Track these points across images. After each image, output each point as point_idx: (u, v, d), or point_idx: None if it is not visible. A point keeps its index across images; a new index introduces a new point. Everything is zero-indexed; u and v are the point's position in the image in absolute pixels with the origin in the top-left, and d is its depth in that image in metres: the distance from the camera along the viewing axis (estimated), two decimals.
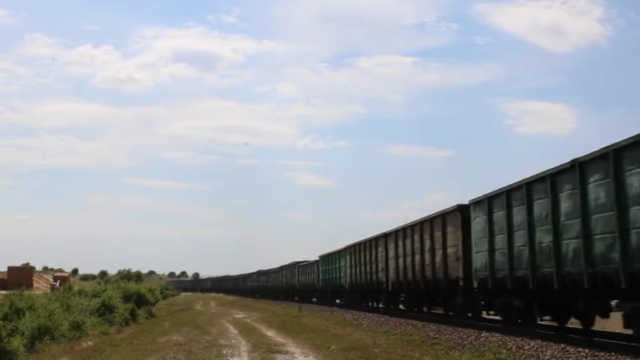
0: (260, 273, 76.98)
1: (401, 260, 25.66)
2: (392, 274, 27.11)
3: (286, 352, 15.93)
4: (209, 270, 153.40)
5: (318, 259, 45.29)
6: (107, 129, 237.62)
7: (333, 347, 16.55)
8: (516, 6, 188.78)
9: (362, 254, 33.19)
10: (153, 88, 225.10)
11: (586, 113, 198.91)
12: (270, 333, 22.20)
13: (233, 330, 23.98)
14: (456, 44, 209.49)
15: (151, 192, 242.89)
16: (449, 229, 20.60)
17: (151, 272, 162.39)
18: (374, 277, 30.71)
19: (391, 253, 27.28)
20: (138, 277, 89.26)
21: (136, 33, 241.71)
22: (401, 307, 28.02)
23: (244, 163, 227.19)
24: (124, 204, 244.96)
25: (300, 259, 57.86)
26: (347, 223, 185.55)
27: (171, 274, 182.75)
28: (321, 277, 43.92)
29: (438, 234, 21.35)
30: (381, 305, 31.77)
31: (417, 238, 23.66)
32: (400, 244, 25.82)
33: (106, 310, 25.93)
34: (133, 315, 29.44)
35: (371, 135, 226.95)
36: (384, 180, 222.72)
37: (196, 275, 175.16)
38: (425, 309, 25.18)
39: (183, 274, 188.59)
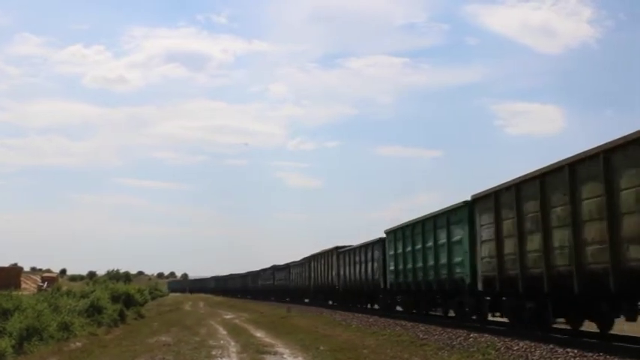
0: (276, 268, 61.00)
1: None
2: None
3: (275, 353, 15.91)
4: (198, 270, 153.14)
5: (384, 235, 27.90)
6: (97, 129, 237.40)
7: (322, 348, 16.54)
8: (506, 7, 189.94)
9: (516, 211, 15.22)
10: (143, 88, 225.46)
11: (575, 114, 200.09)
12: (259, 333, 22.17)
13: (222, 331, 23.95)
14: (446, 45, 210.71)
15: (140, 192, 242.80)
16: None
17: (140, 273, 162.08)
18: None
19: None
20: (126, 277, 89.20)
21: (127, 33, 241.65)
22: None
23: (234, 164, 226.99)
24: (113, 204, 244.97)
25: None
26: (337, 224, 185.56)
27: (160, 275, 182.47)
28: (393, 267, 25.95)
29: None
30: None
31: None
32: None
33: (94, 311, 25.83)
34: (122, 316, 29.36)
35: (361, 135, 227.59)
36: (373, 180, 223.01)
37: (185, 276, 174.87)
38: None
39: (172, 274, 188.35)
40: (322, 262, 41.02)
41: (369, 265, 30.51)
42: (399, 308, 27.52)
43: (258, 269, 70.82)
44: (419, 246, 22.65)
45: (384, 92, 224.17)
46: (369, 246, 30.68)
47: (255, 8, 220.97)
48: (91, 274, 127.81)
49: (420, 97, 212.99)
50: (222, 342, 19.01)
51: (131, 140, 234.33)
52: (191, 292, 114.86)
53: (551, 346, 13.52)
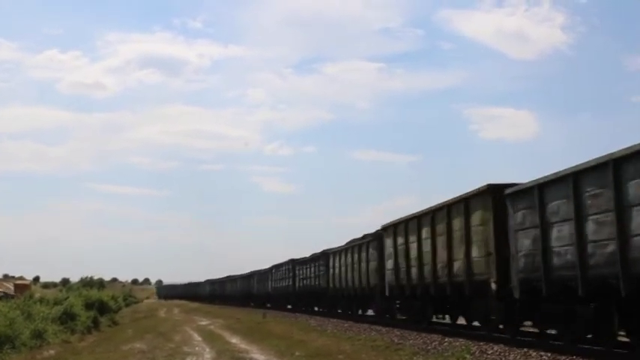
0: (297, 262, 41.54)
1: None
2: None
3: (250, 359, 15.89)
4: (173, 277, 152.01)
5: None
6: (71, 134, 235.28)
7: (297, 353, 16.53)
8: (481, 12, 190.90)
9: None
10: (120, 93, 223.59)
11: (548, 119, 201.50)
12: (235, 340, 22.09)
13: (197, 337, 23.84)
14: (421, 50, 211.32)
15: (115, 198, 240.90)
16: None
17: (114, 279, 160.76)
18: None
19: None
20: (100, 284, 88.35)
21: (103, 38, 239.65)
22: None
23: (210, 169, 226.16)
24: (88, 210, 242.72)
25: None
26: (315, 229, 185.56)
27: (135, 281, 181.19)
28: None
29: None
30: None
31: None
32: None
33: (67, 318, 25.65)
34: (96, 323, 29.20)
35: (338, 140, 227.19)
36: (350, 185, 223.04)
37: (160, 282, 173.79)
38: None
39: (147, 281, 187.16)
40: (414, 236, 20.24)
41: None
42: None
43: (268, 266, 52.02)
44: None
45: (360, 97, 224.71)
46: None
47: (231, 13, 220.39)
48: (65, 281, 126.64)
49: (396, 102, 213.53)
50: (197, 348, 18.94)
51: (106, 146, 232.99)
52: (182, 298, 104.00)
53: (525, 349, 13.63)
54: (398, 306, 24.33)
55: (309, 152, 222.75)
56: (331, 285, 32.46)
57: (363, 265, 27.15)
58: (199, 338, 23.27)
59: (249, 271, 61.77)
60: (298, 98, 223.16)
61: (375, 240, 25.75)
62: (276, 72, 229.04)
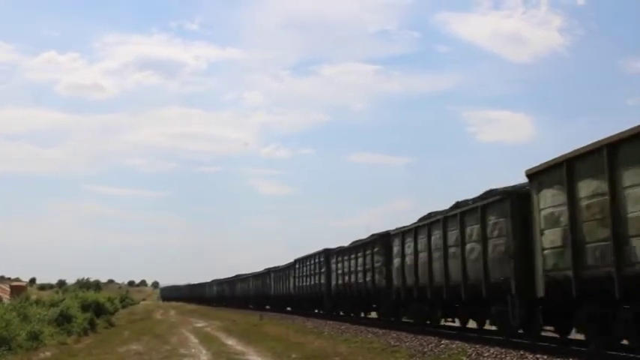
0: (332, 253, 32.48)
1: None
2: None
3: None
4: (170, 278, 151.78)
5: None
6: (69, 136, 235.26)
7: (294, 355, 16.53)
8: (478, 15, 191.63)
9: None
10: (117, 95, 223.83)
11: (544, 122, 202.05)
12: (231, 342, 22.08)
13: (193, 339, 23.82)
14: (418, 52, 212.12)
15: (111, 199, 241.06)
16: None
17: (110, 281, 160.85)
18: None
19: None
20: (97, 286, 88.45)
21: (101, 40, 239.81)
22: None
23: (207, 171, 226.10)
24: (84, 211, 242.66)
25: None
26: (311, 231, 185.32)
27: (131, 283, 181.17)
28: None
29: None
30: None
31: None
32: None
33: (64, 320, 25.56)
34: (92, 324, 29.09)
35: (335, 142, 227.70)
36: (347, 187, 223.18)
37: (156, 284, 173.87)
38: None
39: (143, 282, 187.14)
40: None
41: None
42: None
43: (288, 262, 43.17)
44: None
45: (357, 99, 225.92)
46: None
47: (229, 15, 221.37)
48: (61, 283, 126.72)
49: (393, 104, 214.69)
50: (193, 350, 18.93)
51: (104, 148, 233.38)
52: (187, 300, 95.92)
53: (522, 352, 13.64)
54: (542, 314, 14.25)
55: (307, 154, 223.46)
56: (396, 282, 22.68)
57: (473, 247, 16.37)
58: (196, 340, 23.26)
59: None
60: (295, 100, 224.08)
61: (507, 198, 14.85)
62: (273, 74, 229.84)
